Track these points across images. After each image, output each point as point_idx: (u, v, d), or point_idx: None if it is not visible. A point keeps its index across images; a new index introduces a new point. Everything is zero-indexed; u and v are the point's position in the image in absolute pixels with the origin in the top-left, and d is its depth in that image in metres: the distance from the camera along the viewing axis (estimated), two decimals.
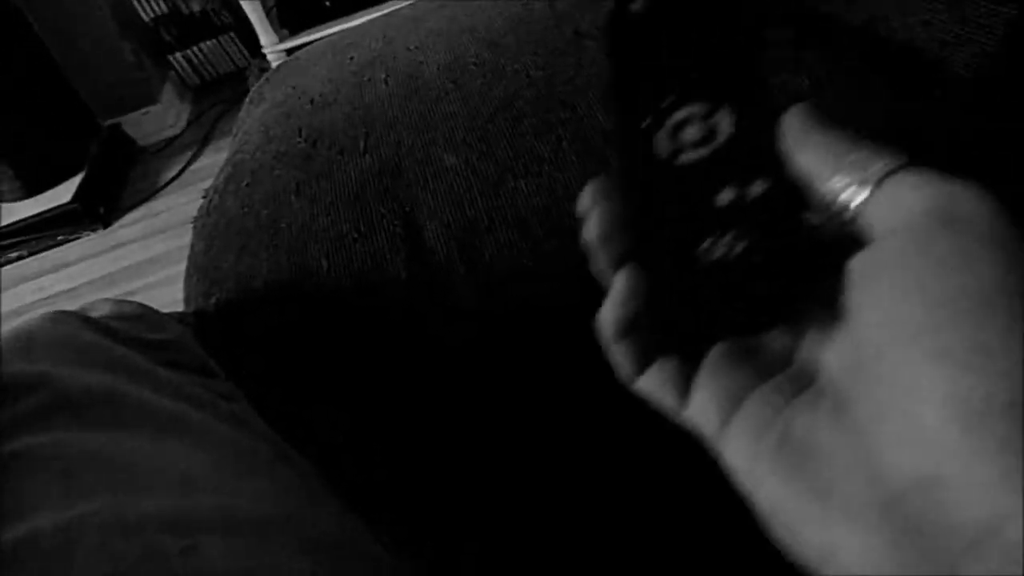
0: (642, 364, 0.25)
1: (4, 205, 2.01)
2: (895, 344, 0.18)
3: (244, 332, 0.47)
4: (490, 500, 0.47)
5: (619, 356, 0.25)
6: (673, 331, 0.23)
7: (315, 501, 0.36)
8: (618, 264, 0.24)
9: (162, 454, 0.32)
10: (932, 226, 0.19)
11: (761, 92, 0.25)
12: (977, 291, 0.18)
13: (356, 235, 0.46)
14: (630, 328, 0.24)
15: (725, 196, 0.23)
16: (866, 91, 0.43)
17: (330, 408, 0.46)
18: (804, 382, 0.22)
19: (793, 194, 0.23)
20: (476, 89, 0.50)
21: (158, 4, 2.24)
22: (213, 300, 0.49)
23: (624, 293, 0.24)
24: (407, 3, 0.74)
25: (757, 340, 0.24)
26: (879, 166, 0.21)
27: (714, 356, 0.24)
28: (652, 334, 0.24)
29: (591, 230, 0.24)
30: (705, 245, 0.23)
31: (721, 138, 0.24)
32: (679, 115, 0.25)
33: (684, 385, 0.24)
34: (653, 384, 0.25)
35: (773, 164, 0.23)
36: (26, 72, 1.98)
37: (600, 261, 0.25)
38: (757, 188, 0.23)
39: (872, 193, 0.20)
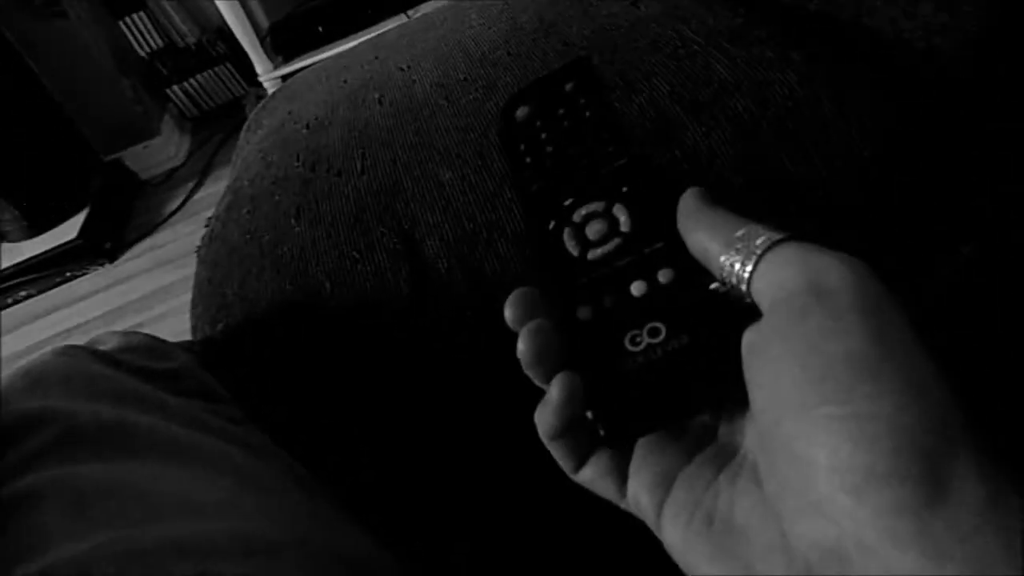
0: (580, 459, 0.26)
1: (11, 245, 2.03)
2: (785, 418, 0.19)
3: (251, 355, 0.47)
4: (482, 502, 0.47)
5: (556, 454, 0.26)
6: (612, 427, 0.24)
7: (327, 520, 0.36)
8: (551, 376, 0.25)
9: (173, 481, 0.33)
10: (806, 300, 0.20)
11: (648, 182, 0.26)
12: (847, 362, 0.19)
13: (357, 255, 0.46)
14: (565, 430, 0.25)
15: (638, 288, 0.25)
16: (856, 86, 0.43)
17: (339, 423, 0.46)
18: (728, 456, 0.23)
19: (698, 276, 0.24)
20: (469, 104, 0.51)
21: (153, 39, 2.27)
22: (220, 327, 0.49)
23: (559, 401, 0.25)
24: (397, 23, 0.75)
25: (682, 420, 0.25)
26: (760, 241, 0.22)
27: (643, 442, 0.25)
28: (591, 431, 0.24)
29: (522, 355, 0.25)
30: (630, 338, 0.24)
31: (623, 231, 0.26)
32: (581, 212, 0.27)
33: (621, 475, 0.25)
34: (592, 476, 0.26)
35: (674, 251, 0.25)
36: (28, 113, 2.01)
37: (535, 378, 0.26)
38: (664, 277, 0.24)
39: (756, 267, 0.22)
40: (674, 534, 0.23)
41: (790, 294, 0.20)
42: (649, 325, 0.24)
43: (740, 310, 0.23)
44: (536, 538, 0.47)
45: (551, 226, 0.27)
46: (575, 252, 0.26)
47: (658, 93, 0.45)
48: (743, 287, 0.22)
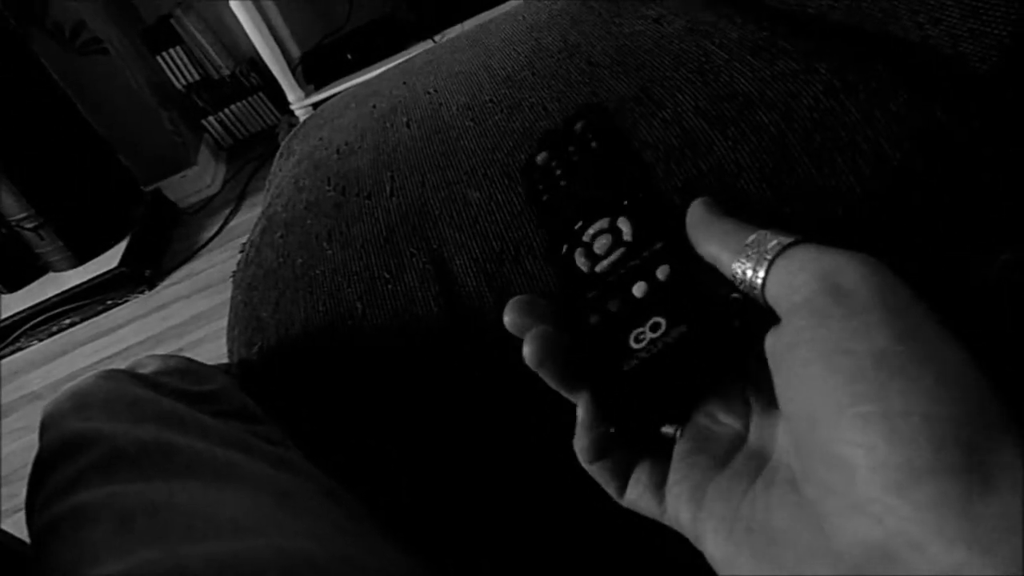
0: (622, 481, 0.26)
1: (56, 274, 2.09)
2: (820, 422, 0.19)
3: (287, 377, 0.48)
4: (507, 520, 0.47)
5: (598, 478, 0.26)
6: (622, 423, 0.25)
7: (365, 537, 0.37)
8: (562, 381, 0.26)
9: (214, 500, 0.33)
10: (824, 302, 0.20)
11: (649, 198, 0.27)
12: (875, 360, 0.18)
13: (388, 276, 0.47)
14: (601, 452, 0.26)
15: (639, 289, 0.25)
16: (884, 95, 0.43)
17: (372, 442, 0.47)
18: (760, 462, 0.23)
19: (697, 272, 0.25)
20: (495, 125, 0.51)
21: (190, 72, 2.34)
22: (255, 349, 0.51)
23: (584, 420, 0.25)
24: (425, 48, 0.76)
25: (710, 427, 0.25)
26: (770, 246, 0.22)
27: (677, 455, 0.25)
28: (608, 428, 0.25)
29: (528, 358, 0.26)
30: (634, 336, 0.25)
31: (626, 240, 0.27)
32: (589, 232, 0.28)
33: (659, 491, 0.25)
34: (634, 496, 0.26)
35: (672, 248, 0.25)
36: (72, 146, 2.08)
37: (548, 380, 0.26)
38: (662, 273, 0.25)
39: (768, 272, 0.22)
40: (716, 547, 0.23)
41: (807, 297, 0.20)
42: (651, 321, 0.24)
43: (743, 307, 0.23)
44: (559, 557, 0.47)
45: (564, 249, 0.29)
46: (585, 268, 0.27)
47: (683, 108, 0.46)
48: (757, 293, 0.22)
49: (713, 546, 0.23)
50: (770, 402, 0.23)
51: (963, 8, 0.40)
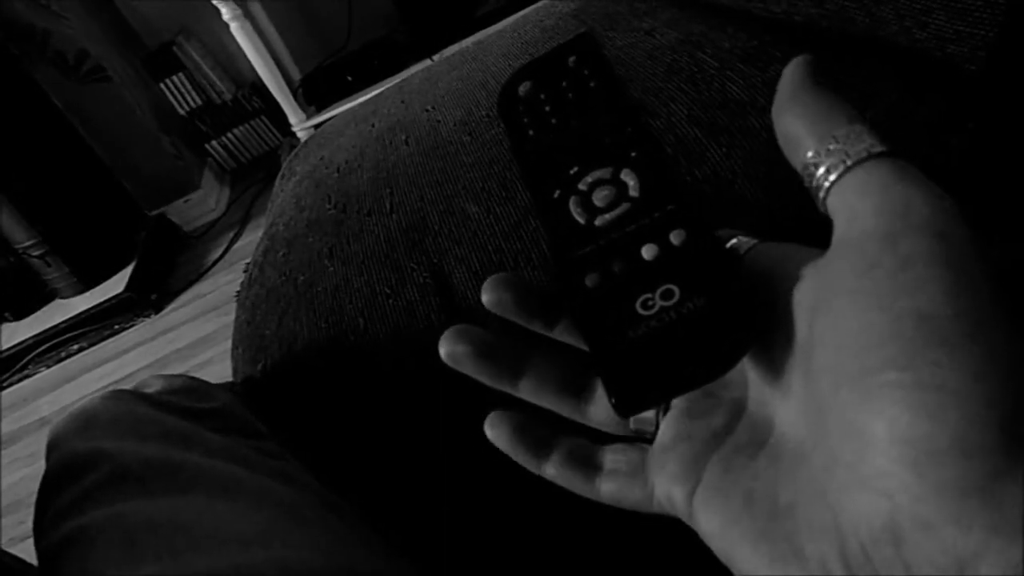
0: (590, 473, 0.24)
1: (63, 301, 2.10)
2: (844, 383, 0.17)
3: (290, 393, 0.49)
4: (507, 534, 0.47)
5: (565, 481, 0.25)
6: (624, 395, 0.23)
7: (367, 550, 0.37)
8: (494, 375, 0.25)
9: (217, 515, 0.34)
10: (875, 248, 0.18)
11: (654, 150, 0.25)
12: (916, 319, 0.17)
13: (389, 291, 0.48)
14: (533, 442, 0.25)
15: (648, 251, 0.23)
16: (874, 98, 0.43)
17: (376, 457, 0.47)
18: (763, 433, 0.22)
19: (712, 235, 0.23)
20: (491, 139, 0.52)
21: (192, 97, 2.36)
22: (259, 366, 0.51)
23: (495, 436, 0.24)
24: (423, 67, 0.77)
25: (701, 398, 0.24)
26: (857, 148, 0.19)
27: (666, 429, 0.24)
28: (613, 398, 0.23)
29: (444, 356, 0.25)
30: (641, 302, 0.23)
31: (632, 196, 0.25)
32: (587, 180, 0.26)
33: (642, 474, 0.24)
34: (614, 487, 0.24)
35: (686, 213, 0.24)
36: (76, 174, 2.10)
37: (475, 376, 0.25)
38: (676, 238, 0.23)
39: (840, 178, 0.19)
40: (710, 519, 0.21)
41: (861, 235, 0.18)
42: (662, 288, 0.23)
43: (760, 271, 0.22)
44: (560, 568, 0.47)
45: (556, 195, 0.26)
46: (582, 220, 0.25)
47: (676, 118, 0.46)
48: (820, 195, 0.20)
49: (706, 519, 0.21)
50: (772, 368, 0.21)
51: (949, 11, 0.41)
